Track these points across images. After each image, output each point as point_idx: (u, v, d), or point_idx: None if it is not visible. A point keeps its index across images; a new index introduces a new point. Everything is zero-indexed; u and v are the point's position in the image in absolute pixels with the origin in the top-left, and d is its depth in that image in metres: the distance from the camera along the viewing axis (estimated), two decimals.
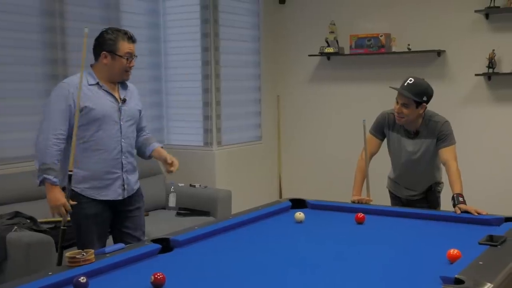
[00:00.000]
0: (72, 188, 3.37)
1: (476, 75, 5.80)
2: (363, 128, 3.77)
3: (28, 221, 4.28)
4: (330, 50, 6.42)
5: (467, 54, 5.88)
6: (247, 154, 6.53)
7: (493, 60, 5.67)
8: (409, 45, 6.04)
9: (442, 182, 3.95)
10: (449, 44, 5.97)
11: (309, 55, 6.61)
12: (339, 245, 2.93)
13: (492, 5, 5.62)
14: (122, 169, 3.51)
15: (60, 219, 3.45)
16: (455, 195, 3.46)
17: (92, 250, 2.55)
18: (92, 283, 2.30)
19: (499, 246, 2.66)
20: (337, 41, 6.42)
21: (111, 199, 3.49)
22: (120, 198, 3.52)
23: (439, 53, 5.98)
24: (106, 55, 3.43)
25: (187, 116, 6.26)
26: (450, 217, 3.35)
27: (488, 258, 2.47)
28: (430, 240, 3.01)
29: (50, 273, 2.36)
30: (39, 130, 3.37)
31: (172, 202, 5.58)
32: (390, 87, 3.82)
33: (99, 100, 3.40)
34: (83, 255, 2.47)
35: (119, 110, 3.48)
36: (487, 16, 5.74)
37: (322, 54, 6.50)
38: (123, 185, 3.53)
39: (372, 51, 6.19)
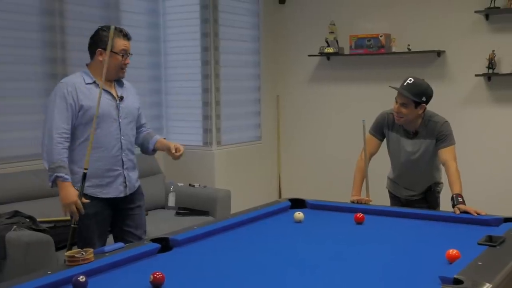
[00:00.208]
0: (75, 187, 3.37)
1: (476, 75, 5.80)
2: (362, 128, 3.77)
3: (28, 220, 4.27)
4: (330, 50, 6.42)
5: (467, 55, 5.88)
6: (247, 154, 6.53)
7: (493, 61, 5.67)
8: (409, 45, 6.04)
9: (442, 183, 3.95)
10: (449, 45, 5.97)
11: (309, 55, 6.61)
12: (338, 245, 2.93)
13: (492, 5, 5.62)
14: (122, 166, 3.52)
15: (65, 218, 3.44)
16: (454, 196, 3.46)
17: (91, 249, 2.55)
18: (91, 282, 2.30)
19: (498, 247, 2.66)
20: (337, 41, 6.42)
21: (113, 196, 3.50)
22: (122, 195, 3.53)
23: (439, 53, 5.98)
24: (101, 52, 3.44)
25: (186, 116, 6.26)
26: (449, 217, 3.35)
27: (487, 258, 2.47)
28: (429, 240, 3.01)
29: (49, 272, 2.36)
30: (43, 132, 3.38)
31: (171, 201, 5.58)
32: (389, 86, 3.82)
33: (97, 98, 3.40)
34: (82, 254, 2.47)
35: (117, 107, 3.50)
36: (487, 16, 5.74)
37: (322, 54, 6.50)
38: (125, 182, 3.54)
39: (372, 51, 6.19)
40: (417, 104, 3.64)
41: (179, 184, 5.71)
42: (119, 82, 3.58)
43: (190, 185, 5.75)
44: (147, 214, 5.12)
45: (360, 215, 3.33)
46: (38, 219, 4.34)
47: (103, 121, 3.42)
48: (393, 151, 3.90)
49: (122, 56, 3.46)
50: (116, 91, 3.54)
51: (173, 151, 3.55)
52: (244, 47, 6.56)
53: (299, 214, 3.36)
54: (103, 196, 3.48)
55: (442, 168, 3.80)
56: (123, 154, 3.52)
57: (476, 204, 3.42)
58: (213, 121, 6.13)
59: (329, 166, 6.64)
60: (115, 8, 5.58)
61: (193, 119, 6.23)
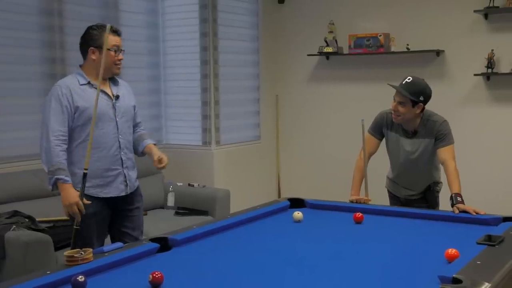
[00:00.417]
0: (75, 188, 3.37)
1: (475, 75, 5.80)
2: (361, 127, 3.77)
3: (27, 220, 4.27)
4: (329, 49, 6.42)
5: (466, 54, 5.88)
6: (246, 154, 6.53)
7: (492, 60, 5.68)
8: (408, 45, 6.04)
9: (441, 182, 3.94)
10: (448, 44, 5.97)
11: (308, 55, 6.61)
12: (337, 244, 2.93)
13: (491, 5, 5.62)
14: (122, 165, 3.53)
15: (64, 218, 3.44)
16: (453, 195, 3.46)
17: (91, 249, 2.55)
18: (91, 282, 2.30)
19: (497, 246, 2.66)
20: (336, 41, 6.42)
21: (114, 195, 3.51)
22: (123, 194, 3.54)
23: (438, 53, 5.98)
24: (93, 51, 3.43)
25: (185, 116, 6.26)
26: (448, 216, 3.35)
27: (486, 257, 2.48)
28: (428, 239, 3.01)
29: (48, 272, 2.36)
30: (41, 134, 3.38)
31: (170, 201, 5.58)
32: (388, 84, 3.81)
33: (93, 99, 3.39)
34: (81, 254, 2.47)
35: (114, 107, 3.50)
36: (486, 16, 5.74)
37: (321, 53, 6.50)
38: (125, 181, 3.54)
39: (371, 51, 6.19)
40: (415, 103, 3.63)
41: (178, 184, 5.71)
42: (113, 80, 3.58)
43: (189, 185, 5.75)
44: (146, 214, 5.15)
45: (359, 214, 3.33)
46: (37, 219, 4.33)
47: (100, 121, 3.42)
48: (392, 151, 3.90)
49: (115, 52, 3.46)
50: (111, 90, 3.53)
51: (156, 162, 3.55)
52: (243, 47, 6.56)
53: (298, 214, 3.36)
54: (104, 195, 3.48)
55: (441, 168, 3.80)
56: (122, 153, 3.53)
57: (475, 204, 3.42)
58: (212, 121, 6.13)
59: (328, 165, 6.64)
60: (114, 7, 5.58)
61: (192, 119, 6.23)
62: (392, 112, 3.71)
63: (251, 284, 2.35)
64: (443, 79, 6.00)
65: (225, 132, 6.29)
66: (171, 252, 2.78)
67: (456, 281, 2.18)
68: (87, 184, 3.41)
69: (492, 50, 5.67)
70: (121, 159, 3.52)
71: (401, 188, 3.97)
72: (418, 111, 3.67)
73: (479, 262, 2.40)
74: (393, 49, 6.16)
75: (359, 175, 3.86)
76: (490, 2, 5.62)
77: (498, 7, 5.62)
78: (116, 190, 3.51)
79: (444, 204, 3.72)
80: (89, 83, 3.45)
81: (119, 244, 2.74)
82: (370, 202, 3.72)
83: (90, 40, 3.44)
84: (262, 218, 3.43)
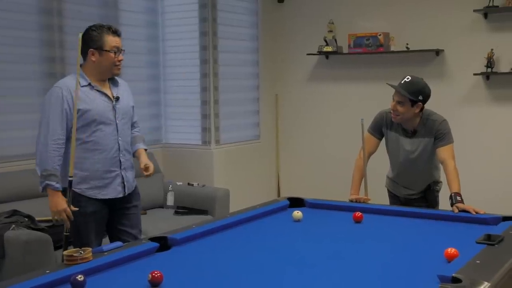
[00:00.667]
0: (73, 188, 3.37)
1: (475, 74, 5.80)
2: (361, 127, 3.77)
3: (26, 219, 4.27)
4: (328, 49, 6.42)
5: (466, 54, 5.88)
6: (245, 153, 6.52)
7: (491, 60, 5.67)
8: (407, 44, 6.04)
9: (441, 181, 3.94)
10: (448, 44, 5.97)
11: (308, 54, 6.61)
12: (337, 244, 2.93)
13: (490, 4, 5.62)
14: (120, 167, 3.52)
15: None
16: (453, 194, 3.46)
17: (90, 249, 2.55)
18: (90, 282, 2.30)
19: (496, 245, 2.66)
20: (335, 40, 6.42)
21: (111, 197, 3.50)
22: (121, 195, 3.53)
23: (437, 52, 5.98)
24: (93, 52, 3.42)
25: (185, 115, 6.26)
26: (448, 216, 3.35)
27: (485, 257, 2.48)
28: (427, 239, 3.02)
29: (47, 271, 2.36)
30: (38, 136, 3.37)
31: (170, 200, 5.58)
32: (387, 83, 3.81)
33: (93, 101, 3.39)
34: (80, 253, 2.47)
35: (114, 108, 3.48)
36: (485, 15, 5.74)
37: (320, 53, 6.50)
38: (123, 183, 3.54)
39: (371, 50, 6.19)
40: (414, 103, 3.63)
41: (178, 183, 5.71)
42: (113, 81, 3.56)
43: (188, 184, 5.75)
44: (145, 213, 5.15)
45: (358, 214, 3.33)
46: (36, 218, 4.33)
47: (100, 123, 3.41)
48: (392, 150, 3.90)
49: (115, 53, 3.45)
50: (111, 91, 3.52)
51: (142, 170, 3.55)
52: (243, 46, 6.56)
53: (297, 213, 3.36)
54: (102, 197, 3.48)
55: (441, 167, 3.79)
56: (121, 155, 3.52)
57: (474, 203, 3.42)
58: (212, 120, 6.12)
59: (328, 165, 6.64)
60: (113, 7, 5.57)
61: (191, 118, 6.23)
62: (391, 111, 3.71)
63: (251, 283, 2.35)
64: (443, 78, 6.00)
65: (224, 131, 6.29)
66: (171, 251, 2.77)
67: (456, 280, 2.18)
68: (85, 186, 3.41)
69: (492, 49, 5.67)
70: (120, 161, 3.52)
71: (401, 187, 3.97)
72: (417, 110, 3.67)
73: (478, 262, 2.40)
74: (392, 48, 6.15)
75: (359, 174, 3.86)
76: (489, 2, 5.62)
77: (497, 6, 5.62)
78: (114, 191, 3.50)
79: (444, 203, 3.72)
80: (89, 84, 3.43)
81: (118, 243, 2.74)
82: (369, 202, 3.72)
83: (89, 41, 3.42)
84: (262, 217, 3.43)
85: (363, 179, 3.85)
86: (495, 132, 5.86)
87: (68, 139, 3.37)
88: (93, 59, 3.42)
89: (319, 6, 6.60)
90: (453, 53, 5.97)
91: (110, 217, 3.57)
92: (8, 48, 4.80)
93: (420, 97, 3.64)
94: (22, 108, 4.86)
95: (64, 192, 3.36)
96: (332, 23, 6.44)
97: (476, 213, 3.30)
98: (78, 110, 3.35)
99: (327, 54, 6.51)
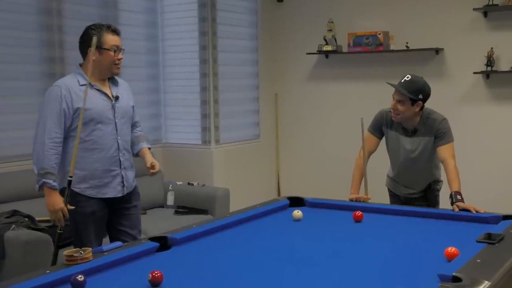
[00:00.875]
0: (72, 188, 3.37)
1: (475, 73, 5.79)
2: (361, 126, 3.77)
3: (26, 219, 4.27)
4: (328, 48, 6.42)
5: (466, 52, 5.88)
6: (245, 153, 6.52)
7: (491, 58, 5.67)
8: (407, 43, 6.04)
9: (441, 181, 3.94)
10: (448, 42, 5.96)
11: (307, 53, 6.61)
12: (337, 243, 2.93)
13: (490, 3, 5.62)
14: (120, 166, 3.52)
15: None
16: (453, 193, 3.46)
17: (90, 249, 2.55)
18: (90, 282, 2.30)
19: (496, 244, 2.66)
20: (335, 39, 6.41)
21: (111, 196, 3.50)
22: (120, 195, 3.53)
23: (437, 51, 5.98)
24: (92, 51, 3.42)
25: (185, 115, 6.26)
26: (448, 215, 3.35)
27: (485, 256, 2.47)
28: (428, 238, 3.02)
29: (48, 272, 2.36)
30: (35, 135, 3.37)
31: (170, 200, 5.58)
32: (387, 82, 3.81)
33: (92, 100, 3.38)
34: (80, 253, 2.47)
35: (113, 107, 3.48)
36: (485, 14, 5.74)
37: (320, 52, 6.49)
38: (123, 182, 3.53)
39: (370, 49, 6.19)
40: (414, 102, 3.63)
41: (178, 183, 5.71)
42: (113, 81, 3.56)
43: (188, 183, 5.74)
44: (145, 213, 5.15)
45: (359, 213, 3.33)
46: (36, 218, 4.33)
47: (99, 122, 3.41)
48: (392, 149, 3.90)
49: (114, 52, 3.44)
50: (111, 90, 3.52)
51: (148, 168, 3.55)
52: (242, 45, 6.56)
53: (297, 212, 3.36)
54: (102, 196, 3.47)
55: (442, 166, 3.79)
56: (120, 154, 3.52)
57: (475, 202, 3.42)
58: (212, 120, 6.12)
59: (328, 164, 6.64)
60: (113, 7, 5.57)
61: (191, 118, 6.22)
62: (392, 110, 3.71)
63: (251, 283, 2.35)
64: (443, 77, 6.00)
65: (224, 131, 6.29)
66: (171, 251, 2.77)
67: (456, 279, 2.18)
68: (85, 185, 3.41)
69: (492, 48, 5.67)
70: (120, 160, 3.51)
71: (401, 186, 3.97)
72: (417, 109, 3.67)
73: (479, 260, 2.40)
74: (392, 47, 6.15)
75: (359, 173, 3.86)
76: (489, 0, 5.62)
77: (497, 5, 5.62)
78: (113, 191, 3.50)
79: (445, 202, 3.72)
80: (89, 83, 3.43)
81: (118, 243, 2.74)
82: (369, 201, 3.72)
83: (89, 40, 3.43)
84: (262, 216, 3.43)
85: (363, 178, 3.84)
86: (495, 130, 5.85)
87: (66, 138, 3.37)
88: (93, 58, 3.42)
89: (319, 5, 6.59)
90: (453, 52, 5.96)
91: (109, 217, 3.57)
92: (8, 49, 4.79)
93: (420, 96, 3.64)
94: (22, 108, 4.86)
95: (62, 191, 3.36)
96: (332, 22, 6.43)
97: (477, 212, 3.30)
98: (76, 109, 3.35)
99: (326, 53, 6.51)
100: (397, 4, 6.19)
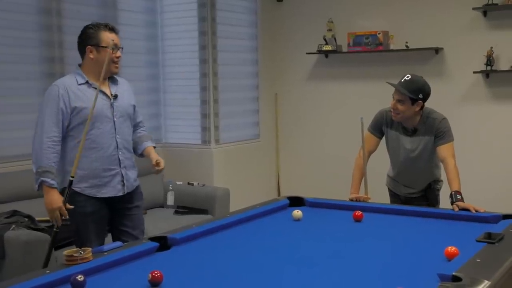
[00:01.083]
0: (72, 187, 3.37)
1: (474, 72, 5.79)
2: (361, 125, 3.77)
3: (26, 219, 4.27)
4: (328, 47, 6.42)
5: (465, 52, 5.88)
6: (245, 152, 6.52)
7: (491, 58, 5.67)
8: (407, 42, 6.04)
9: (442, 180, 3.94)
10: (447, 42, 5.96)
11: (307, 53, 6.61)
12: (337, 242, 2.93)
13: (490, 2, 5.62)
14: (120, 165, 3.51)
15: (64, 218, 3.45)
16: (453, 193, 3.46)
17: (90, 249, 2.55)
18: (90, 282, 2.30)
19: (496, 244, 2.66)
20: (335, 39, 6.41)
21: (111, 196, 3.49)
22: (120, 194, 3.52)
23: (437, 50, 5.98)
24: (91, 49, 3.42)
25: (184, 115, 6.26)
26: (448, 214, 3.35)
27: (485, 255, 2.48)
28: (428, 237, 3.02)
29: (47, 271, 2.36)
30: (34, 134, 3.38)
31: (170, 200, 5.58)
32: (387, 82, 3.81)
33: (90, 99, 3.38)
34: (80, 253, 2.47)
35: (111, 106, 3.48)
36: (485, 13, 5.74)
37: (320, 52, 6.49)
38: (122, 181, 3.53)
39: (370, 48, 6.19)
40: (414, 101, 3.63)
41: (178, 183, 5.70)
42: (113, 80, 3.56)
43: (188, 183, 5.74)
44: (146, 213, 5.14)
45: (359, 213, 3.33)
46: (36, 218, 4.33)
47: (97, 121, 3.41)
48: (392, 149, 3.90)
49: (112, 49, 3.44)
50: (110, 89, 3.52)
51: (154, 166, 3.56)
52: (242, 45, 6.56)
53: (297, 212, 3.36)
54: (101, 195, 3.47)
55: (442, 166, 3.79)
56: (120, 153, 3.51)
57: (475, 201, 3.42)
58: (212, 120, 6.12)
59: (328, 164, 6.64)
60: (112, 7, 5.57)
61: (191, 118, 6.22)
62: (392, 110, 3.71)
63: (251, 283, 2.35)
64: (442, 76, 6.00)
65: (224, 130, 6.29)
66: (171, 251, 2.77)
67: (456, 279, 2.18)
68: (84, 184, 3.41)
69: (491, 47, 5.66)
70: (119, 159, 3.51)
71: (401, 186, 3.97)
72: (417, 108, 3.67)
73: (478, 260, 2.40)
74: (392, 47, 6.15)
75: (359, 173, 3.85)
76: (489, 0, 5.62)
77: (497, 4, 5.62)
78: (113, 190, 3.50)
79: (445, 202, 3.72)
80: (87, 82, 3.43)
81: (118, 243, 2.74)
82: (369, 200, 3.72)
83: (87, 39, 3.43)
84: (262, 216, 3.43)
85: (363, 178, 3.84)
86: (495, 130, 5.85)
87: (64, 138, 3.37)
88: (91, 56, 3.42)
89: (318, 5, 6.59)
90: (452, 51, 5.96)
91: (112, 218, 3.57)
92: (8, 49, 4.79)
93: (420, 95, 3.64)
94: (22, 108, 4.85)
95: (63, 191, 3.36)
96: (332, 21, 6.44)
97: (476, 211, 3.30)
98: (74, 108, 3.35)
99: (326, 53, 6.50)
100: (396, 4, 6.19)
